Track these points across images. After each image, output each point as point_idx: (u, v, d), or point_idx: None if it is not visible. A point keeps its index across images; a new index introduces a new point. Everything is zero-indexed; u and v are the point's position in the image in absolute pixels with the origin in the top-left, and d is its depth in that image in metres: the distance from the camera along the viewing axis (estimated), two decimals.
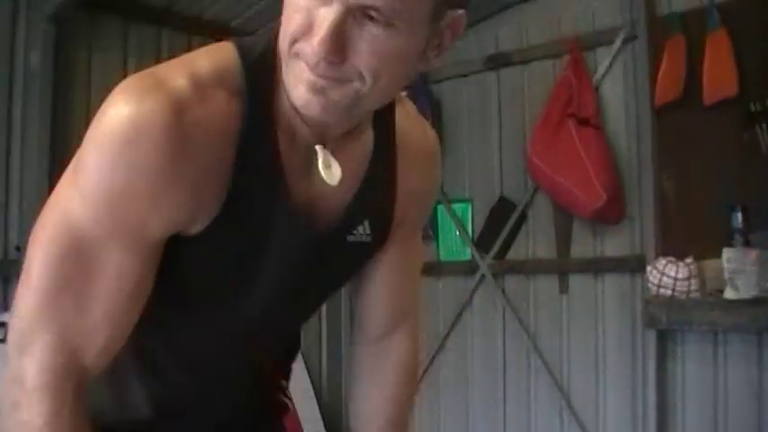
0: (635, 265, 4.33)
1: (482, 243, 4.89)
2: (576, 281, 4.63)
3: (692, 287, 3.95)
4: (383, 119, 1.31)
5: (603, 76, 4.47)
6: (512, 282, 4.84)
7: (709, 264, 3.96)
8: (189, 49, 4.43)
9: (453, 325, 5.00)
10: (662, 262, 4.03)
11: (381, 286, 1.47)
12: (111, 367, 1.19)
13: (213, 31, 4.69)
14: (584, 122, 4.34)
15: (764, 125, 3.91)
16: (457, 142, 5.03)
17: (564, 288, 4.67)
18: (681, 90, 4.05)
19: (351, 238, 1.29)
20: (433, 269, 4.97)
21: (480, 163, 4.97)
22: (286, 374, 1.62)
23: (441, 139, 4.77)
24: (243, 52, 1.14)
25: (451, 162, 4.95)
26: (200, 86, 1.09)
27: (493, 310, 4.87)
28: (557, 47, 4.61)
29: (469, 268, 4.92)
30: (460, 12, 1.12)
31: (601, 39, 4.48)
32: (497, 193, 4.88)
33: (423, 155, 1.41)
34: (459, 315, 4.99)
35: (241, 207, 1.14)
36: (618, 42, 4.39)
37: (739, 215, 3.93)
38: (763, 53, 3.90)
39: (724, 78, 3.95)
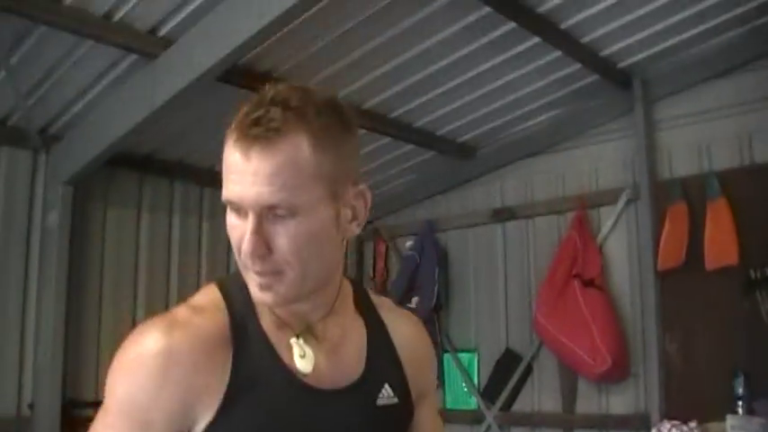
0: (639, 424, 4.37)
1: (488, 393, 4.95)
2: None
3: None
4: (366, 306, 1.52)
5: (607, 235, 4.60)
6: None
7: (714, 427, 4.03)
8: (201, 200, 4.49)
9: None
10: (666, 426, 4.08)
11: None
12: None
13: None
14: (588, 283, 4.45)
15: (764, 292, 4.02)
16: (463, 291, 5.15)
17: None
18: (683, 256, 4.17)
19: (380, 402, 1.43)
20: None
21: (486, 313, 5.07)
22: None
23: (447, 286, 4.85)
24: (221, 283, 1.41)
25: (458, 311, 5.05)
26: (194, 309, 1.34)
27: None
28: (561, 204, 4.78)
29: (476, 418, 4.96)
30: (360, 187, 1.34)
31: (604, 199, 4.64)
32: (503, 343, 4.96)
33: (411, 327, 1.57)
34: None
35: (242, 393, 1.30)
36: (621, 203, 4.54)
37: (742, 381, 4.01)
38: (762, 222, 4.02)
39: (725, 246, 4.07)
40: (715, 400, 4.05)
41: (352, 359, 1.43)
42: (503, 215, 5.03)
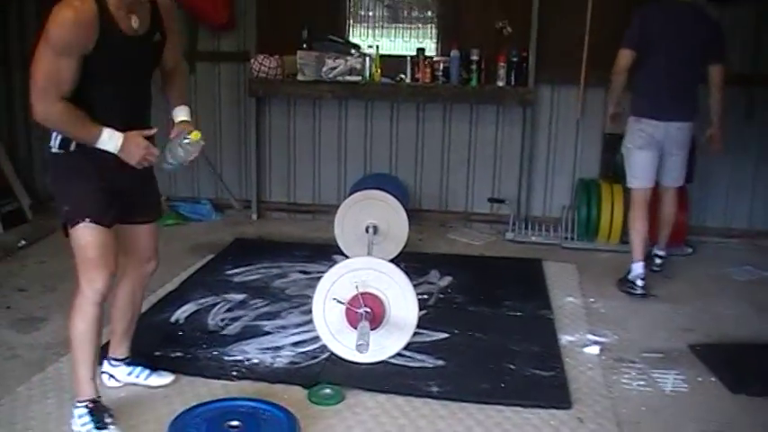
0: (242, 58, 6.56)
1: None
2: (201, 67, 6.74)
3: (278, 73, 6.38)
4: None
5: None
6: None
7: (289, 59, 6.37)
8: None
9: None
10: (261, 57, 6.34)
11: (169, 51, 3.22)
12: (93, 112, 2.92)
13: None
14: None
15: None
16: None
17: (193, 71, 6.71)
18: None
19: (154, 40, 3.06)
20: None
21: None
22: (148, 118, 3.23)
23: None
24: None
25: None
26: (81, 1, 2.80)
27: None
28: None
29: None
30: None
31: None
32: None
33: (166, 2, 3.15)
34: None
35: (105, 38, 2.80)
36: None
37: (306, 32, 6.35)
38: None
39: None
40: (292, 43, 6.29)
41: (144, 22, 2.97)
42: None
